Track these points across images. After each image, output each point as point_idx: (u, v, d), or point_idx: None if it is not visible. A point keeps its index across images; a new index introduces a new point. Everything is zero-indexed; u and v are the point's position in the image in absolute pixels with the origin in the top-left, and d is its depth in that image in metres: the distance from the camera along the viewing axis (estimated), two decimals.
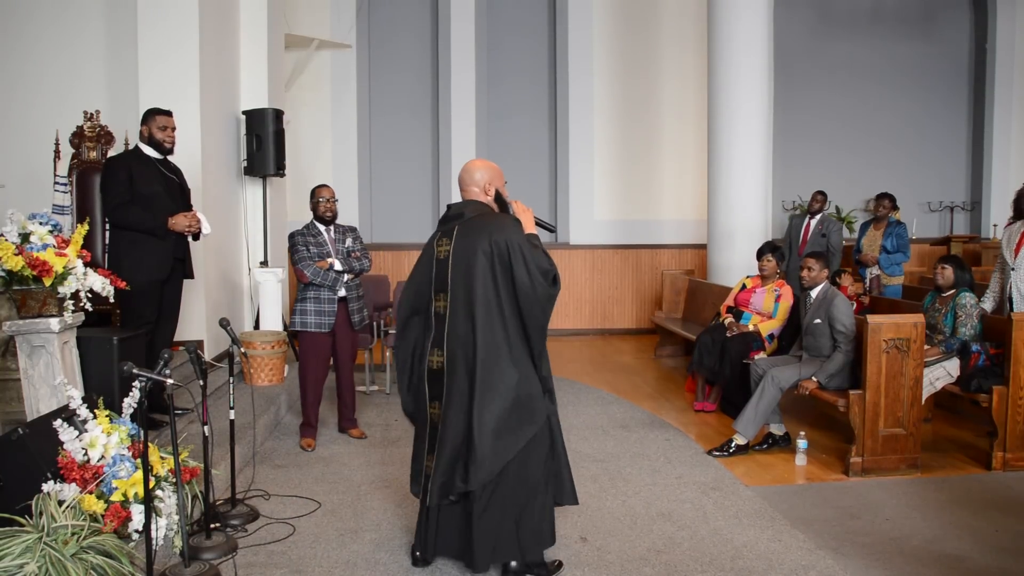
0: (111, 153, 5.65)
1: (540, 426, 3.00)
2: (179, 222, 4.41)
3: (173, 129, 4.53)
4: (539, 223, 3.26)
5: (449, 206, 3.20)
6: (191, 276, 4.74)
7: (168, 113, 4.53)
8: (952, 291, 4.91)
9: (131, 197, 4.33)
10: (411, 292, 3.19)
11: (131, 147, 5.74)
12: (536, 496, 3.02)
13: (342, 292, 4.84)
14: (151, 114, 4.50)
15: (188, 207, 4.62)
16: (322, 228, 4.92)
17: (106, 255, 5.56)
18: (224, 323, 3.83)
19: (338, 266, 4.82)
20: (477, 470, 2.88)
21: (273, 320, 6.38)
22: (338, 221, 5.04)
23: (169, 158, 4.60)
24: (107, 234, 5.58)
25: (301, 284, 4.82)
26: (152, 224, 4.34)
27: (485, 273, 2.95)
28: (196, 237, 4.62)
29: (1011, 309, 5.06)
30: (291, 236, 4.88)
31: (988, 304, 5.28)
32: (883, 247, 7.01)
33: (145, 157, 4.47)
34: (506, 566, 3.04)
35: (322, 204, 4.89)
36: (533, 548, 3.03)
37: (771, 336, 5.60)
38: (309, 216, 5.01)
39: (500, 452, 2.92)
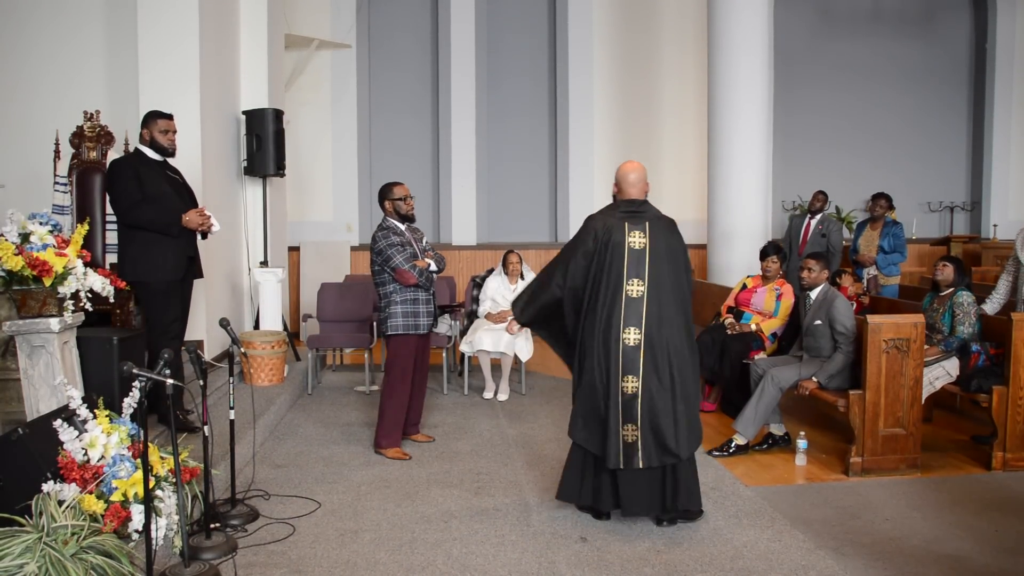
0: (111, 153, 5.64)
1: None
2: (192, 219, 4.37)
3: (174, 132, 4.50)
4: None
5: (630, 201, 3.66)
6: (200, 275, 4.69)
7: (169, 116, 4.48)
8: (950, 290, 4.93)
9: (142, 197, 4.28)
10: (581, 275, 3.60)
11: (131, 150, 5.76)
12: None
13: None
14: (152, 117, 4.45)
15: (195, 206, 4.60)
16: (403, 227, 4.77)
17: (106, 254, 5.56)
18: (224, 323, 3.83)
19: (433, 267, 4.71)
20: (691, 440, 3.53)
21: (273, 320, 6.38)
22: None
23: (170, 161, 4.57)
24: (113, 236, 5.57)
25: (398, 287, 4.63)
26: (168, 220, 4.29)
27: (677, 265, 3.58)
28: (204, 236, 4.58)
29: None
30: (384, 238, 4.62)
31: (991, 306, 5.25)
32: (880, 247, 7.00)
33: (148, 159, 4.43)
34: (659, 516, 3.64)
35: (405, 203, 4.73)
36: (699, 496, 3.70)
37: (773, 335, 5.60)
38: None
39: (699, 425, 3.59)
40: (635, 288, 3.52)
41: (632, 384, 3.49)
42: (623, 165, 3.74)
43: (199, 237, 4.58)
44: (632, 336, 3.50)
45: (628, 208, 3.65)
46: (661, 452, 3.49)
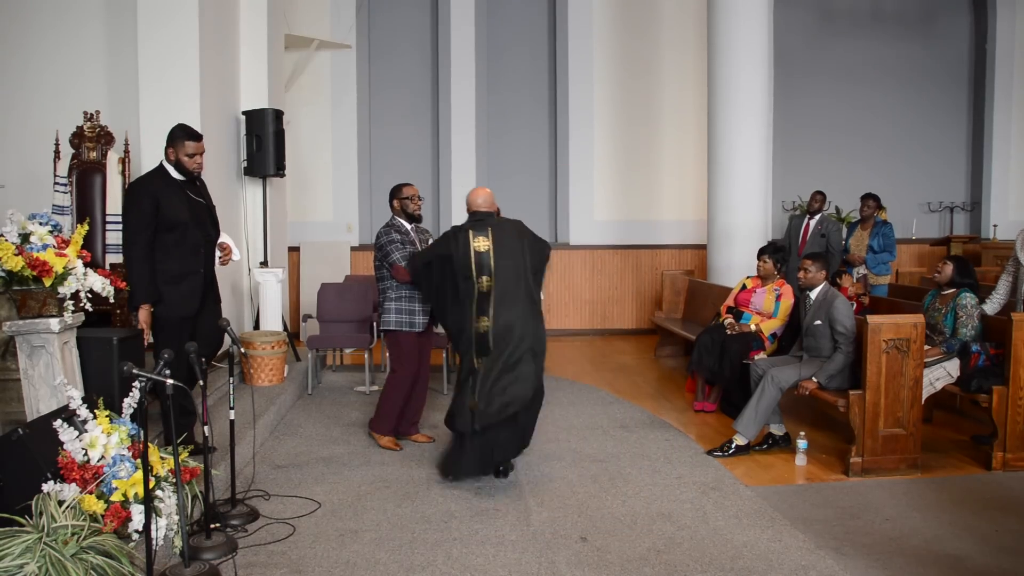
0: (111, 153, 5.65)
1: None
2: (144, 319, 3.97)
3: (202, 155, 4.14)
4: None
5: (475, 213, 4.40)
6: (219, 302, 4.40)
7: (198, 138, 4.11)
8: (952, 291, 4.91)
9: (154, 229, 3.95)
10: (437, 277, 4.33)
11: (129, 147, 5.76)
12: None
13: None
14: (178, 137, 4.07)
15: (217, 231, 4.32)
16: (409, 227, 4.86)
17: (106, 254, 5.55)
18: (224, 323, 3.83)
19: None
20: (536, 397, 4.31)
21: (273, 320, 6.38)
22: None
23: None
24: (113, 236, 5.54)
25: (393, 283, 4.72)
26: (144, 292, 3.94)
27: (524, 254, 4.31)
28: (224, 263, 4.38)
29: None
30: (386, 235, 4.74)
31: (992, 307, 5.25)
32: (870, 247, 7.02)
33: (171, 179, 4.07)
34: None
35: (413, 203, 4.84)
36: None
37: (773, 336, 5.60)
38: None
39: (539, 384, 4.32)
40: (484, 283, 4.21)
41: (478, 363, 4.21)
42: (472, 191, 4.50)
43: (216, 262, 4.30)
44: (483, 324, 4.21)
45: (474, 219, 4.39)
46: (499, 413, 4.13)
